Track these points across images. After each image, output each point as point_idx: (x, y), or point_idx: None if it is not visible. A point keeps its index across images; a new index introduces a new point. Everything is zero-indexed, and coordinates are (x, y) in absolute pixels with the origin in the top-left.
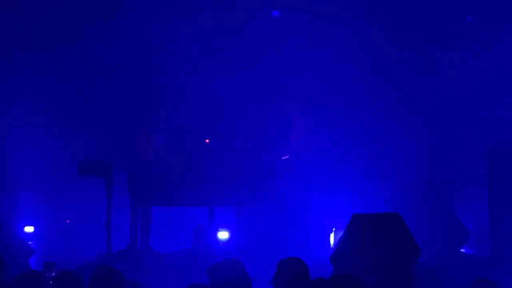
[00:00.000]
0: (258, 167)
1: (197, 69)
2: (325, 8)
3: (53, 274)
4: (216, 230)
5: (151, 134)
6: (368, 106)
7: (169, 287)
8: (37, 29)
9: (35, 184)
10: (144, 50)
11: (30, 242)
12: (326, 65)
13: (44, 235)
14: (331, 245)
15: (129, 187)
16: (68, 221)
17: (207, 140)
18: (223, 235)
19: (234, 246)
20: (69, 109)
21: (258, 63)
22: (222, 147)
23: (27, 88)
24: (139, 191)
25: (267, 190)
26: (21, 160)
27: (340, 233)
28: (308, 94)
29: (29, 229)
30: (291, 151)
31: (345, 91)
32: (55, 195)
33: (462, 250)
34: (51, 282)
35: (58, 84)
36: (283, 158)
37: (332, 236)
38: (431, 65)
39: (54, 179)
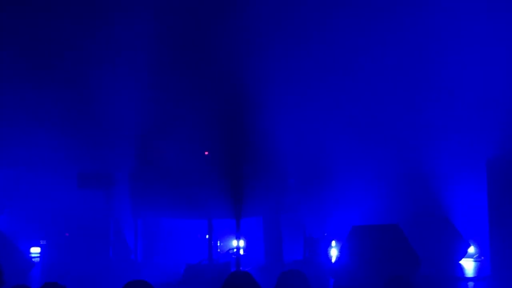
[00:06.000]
0: (257, 179)
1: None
2: None
3: None
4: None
5: (153, 146)
6: (365, 109)
7: None
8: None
9: (34, 197)
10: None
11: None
12: (320, 64)
13: (45, 247)
14: (331, 257)
15: (130, 199)
16: (67, 234)
17: (206, 152)
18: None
19: (234, 257)
20: (69, 122)
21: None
22: (221, 160)
23: (28, 101)
24: (139, 204)
25: (266, 202)
26: (20, 173)
27: (340, 245)
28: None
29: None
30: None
31: (342, 91)
32: (53, 206)
33: (462, 261)
34: None
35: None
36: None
37: (331, 249)
38: (430, 65)
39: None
